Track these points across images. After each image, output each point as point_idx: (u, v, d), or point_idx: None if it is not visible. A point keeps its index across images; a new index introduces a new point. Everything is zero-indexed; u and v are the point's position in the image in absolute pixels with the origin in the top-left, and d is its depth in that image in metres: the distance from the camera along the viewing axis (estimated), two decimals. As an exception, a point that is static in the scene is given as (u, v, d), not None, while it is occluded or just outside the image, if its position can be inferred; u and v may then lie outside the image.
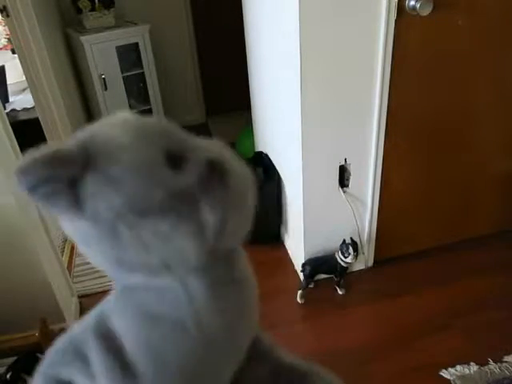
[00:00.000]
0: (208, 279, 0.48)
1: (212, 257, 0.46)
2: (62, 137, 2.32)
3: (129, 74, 2.81)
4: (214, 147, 0.47)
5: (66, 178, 0.40)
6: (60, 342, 0.55)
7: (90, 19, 2.69)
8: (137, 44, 2.75)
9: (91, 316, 0.54)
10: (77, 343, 0.53)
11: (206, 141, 0.48)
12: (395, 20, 1.32)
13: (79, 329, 0.55)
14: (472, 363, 1.42)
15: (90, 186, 0.41)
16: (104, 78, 2.65)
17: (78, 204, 0.41)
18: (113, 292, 0.53)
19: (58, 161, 0.40)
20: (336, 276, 1.73)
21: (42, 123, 2.25)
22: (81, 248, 0.47)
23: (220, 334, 0.51)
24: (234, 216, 0.45)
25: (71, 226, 0.45)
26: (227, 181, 0.43)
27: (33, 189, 0.40)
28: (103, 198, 0.41)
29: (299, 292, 1.72)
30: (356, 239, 1.70)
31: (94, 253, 0.46)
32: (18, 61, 2.13)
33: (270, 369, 0.60)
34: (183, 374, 0.51)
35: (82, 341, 0.52)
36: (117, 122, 0.46)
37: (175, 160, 0.43)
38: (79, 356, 0.52)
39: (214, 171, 0.43)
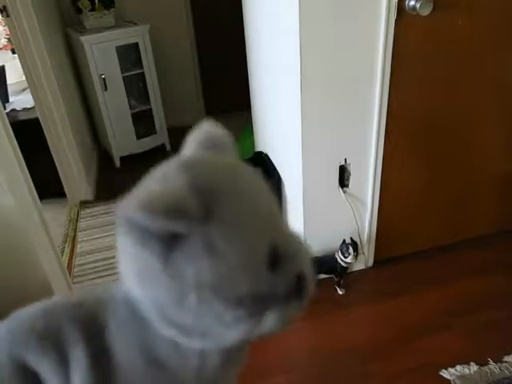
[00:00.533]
0: (225, 358, 0.49)
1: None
2: (62, 137, 2.32)
3: (129, 74, 2.81)
4: (304, 253, 0.45)
5: (177, 230, 0.36)
6: (33, 315, 0.47)
7: (90, 19, 2.69)
8: (137, 44, 2.75)
9: (84, 302, 0.47)
10: (58, 330, 0.44)
11: (297, 238, 0.45)
12: (395, 20, 1.32)
13: (63, 308, 0.46)
14: (472, 363, 1.42)
15: (191, 246, 0.36)
16: (104, 78, 2.65)
17: (168, 255, 0.37)
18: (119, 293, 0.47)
19: (176, 214, 0.34)
20: (336, 276, 1.73)
21: (41, 123, 2.25)
22: (125, 271, 0.41)
23: None
24: (287, 322, 0.44)
25: (138, 254, 0.39)
26: (304, 301, 0.44)
27: (142, 229, 0.35)
28: (196, 261, 0.36)
29: (299, 292, 1.72)
30: (356, 239, 1.70)
31: (150, 295, 0.40)
32: (17, 61, 2.13)
33: None
34: None
35: (65, 332, 0.44)
36: (247, 190, 0.41)
37: (274, 258, 0.39)
38: (57, 349, 0.44)
39: (299, 286, 0.42)
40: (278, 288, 0.40)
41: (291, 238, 0.44)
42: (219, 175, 0.40)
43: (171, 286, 0.38)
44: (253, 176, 0.42)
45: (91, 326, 0.45)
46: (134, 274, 0.40)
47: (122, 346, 0.45)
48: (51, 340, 0.45)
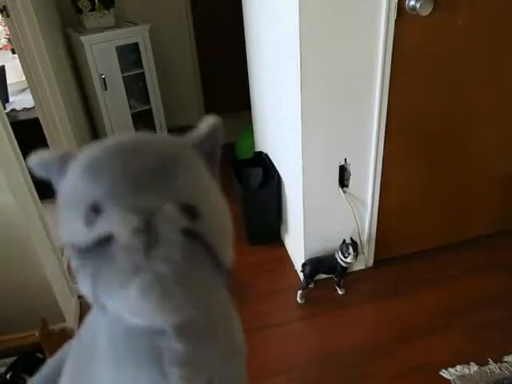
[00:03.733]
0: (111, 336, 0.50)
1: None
2: (62, 137, 2.32)
3: (129, 74, 2.81)
4: (133, 220, 0.42)
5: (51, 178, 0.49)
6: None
7: (90, 19, 2.69)
8: (137, 44, 2.75)
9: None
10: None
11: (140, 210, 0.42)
12: (395, 20, 1.32)
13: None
14: (472, 363, 1.42)
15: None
16: (104, 78, 2.65)
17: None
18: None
19: (42, 165, 0.49)
20: (336, 276, 1.73)
21: (42, 123, 2.25)
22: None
23: None
24: (95, 297, 0.44)
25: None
26: (101, 268, 0.41)
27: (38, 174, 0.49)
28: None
29: (299, 292, 1.72)
30: (356, 239, 1.70)
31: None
32: (17, 61, 2.13)
33: None
34: None
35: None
36: (103, 145, 0.47)
37: (93, 214, 0.41)
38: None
39: (97, 252, 0.40)
40: (87, 242, 0.41)
41: (131, 197, 0.41)
42: (99, 149, 0.47)
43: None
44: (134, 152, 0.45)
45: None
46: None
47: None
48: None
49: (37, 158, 0.48)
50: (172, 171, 0.43)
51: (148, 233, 0.39)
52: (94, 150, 0.46)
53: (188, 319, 0.45)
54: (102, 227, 0.40)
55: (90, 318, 0.56)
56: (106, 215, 0.40)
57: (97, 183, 0.42)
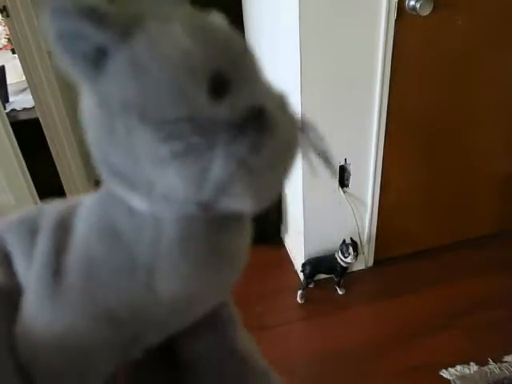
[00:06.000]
0: (186, 234, 0.40)
1: (204, 214, 0.38)
2: (62, 137, 2.32)
3: (129, 73, 2.81)
4: (274, 94, 0.39)
5: (97, 40, 0.33)
6: (27, 210, 0.49)
7: (90, 19, 2.68)
8: (137, 44, 2.75)
9: (73, 201, 0.47)
10: (39, 215, 0.46)
11: (268, 83, 0.40)
12: (395, 20, 1.32)
13: (53, 205, 0.47)
14: (472, 363, 1.42)
15: (116, 64, 0.34)
16: (104, 78, 2.65)
17: (98, 76, 0.34)
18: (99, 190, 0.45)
19: (96, 17, 0.33)
20: (336, 276, 1.73)
21: (42, 123, 2.25)
22: (84, 126, 0.39)
23: (171, 299, 0.42)
24: (249, 180, 0.36)
25: (84, 94, 0.38)
26: (263, 142, 0.35)
27: (60, 37, 0.33)
28: (120, 81, 0.34)
29: (299, 292, 1.72)
30: (356, 239, 1.70)
31: (90, 137, 0.38)
32: (17, 61, 2.13)
33: (219, 350, 0.50)
34: (105, 309, 0.42)
35: (43, 216, 0.45)
36: (186, 10, 0.37)
37: (220, 86, 0.35)
38: (32, 228, 0.45)
39: (253, 125, 0.35)
40: (222, 115, 0.34)
41: (253, 75, 0.39)
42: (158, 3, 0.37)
43: (102, 117, 0.36)
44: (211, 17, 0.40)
45: (64, 216, 0.45)
46: (84, 126, 0.39)
47: (83, 220, 0.43)
48: (29, 223, 0.46)
49: (78, 4, 0.33)
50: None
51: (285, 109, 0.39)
52: (183, 11, 0.37)
53: None
54: (239, 100, 0.35)
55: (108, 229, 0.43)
56: (242, 87, 0.36)
57: (221, 51, 0.36)
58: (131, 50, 0.34)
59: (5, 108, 2.57)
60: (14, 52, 3.05)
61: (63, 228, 0.43)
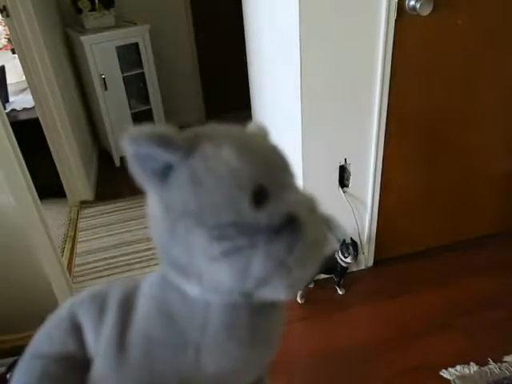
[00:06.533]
0: (231, 319, 0.48)
1: (246, 300, 0.46)
2: (62, 137, 2.32)
3: (129, 73, 2.81)
4: (304, 203, 0.47)
5: (165, 160, 0.42)
6: (97, 288, 0.57)
7: (90, 19, 2.69)
8: (137, 44, 2.75)
9: (135, 281, 0.56)
10: (107, 294, 0.55)
11: (300, 190, 0.49)
12: (395, 20, 1.32)
13: (119, 284, 0.57)
14: (472, 363, 1.42)
15: (179, 177, 0.42)
16: (104, 78, 2.65)
17: (164, 186, 0.43)
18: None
19: (165, 143, 0.41)
20: (336, 276, 1.73)
21: (42, 123, 2.26)
22: (150, 225, 0.48)
23: (215, 373, 0.50)
24: (284, 275, 0.43)
25: (151, 199, 0.47)
26: (296, 243, 0.42)
27: (135, 158, 0.42)
28: (182, 192, 0.42)
29: (299, 292, 1.72)
30: (356, 239, 1.70)
31: (155, 234, 0.47)
32: (17, 61, 2.13)
33: None
34: (160, 380, 0.50)
35: (111, 295, 0.54)
36: (234, 132, 0.47)
37: (261, 197, 0.42)
38: (101, 305, 0.53)
39: (288, 229, 0.42)
40: (262, 222, 0.42)
41: (288, 185, 0.47)
42: (211, 128, 0.47)
43: (165, 219, 0.44)
44: (260, 136, 0.51)
45: (128, 296, 0.53)
46: (150, 224, 0.47)
47: (144, 301, 0.51)
48: (99, 300, 0.55)
49: (152, 133, 0.41)
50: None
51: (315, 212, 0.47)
52: (231, 134, 0.47)
53: None
54: (276, 208, 0.43)
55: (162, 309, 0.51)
56: (279, 197, 0.44)
57: (262, 168, 0.44)
58: (191, 167, 0.42)
59: (5, 108, 2.57)
60: (14, 52, 3.05)
61: (127, 307, 0.52)
